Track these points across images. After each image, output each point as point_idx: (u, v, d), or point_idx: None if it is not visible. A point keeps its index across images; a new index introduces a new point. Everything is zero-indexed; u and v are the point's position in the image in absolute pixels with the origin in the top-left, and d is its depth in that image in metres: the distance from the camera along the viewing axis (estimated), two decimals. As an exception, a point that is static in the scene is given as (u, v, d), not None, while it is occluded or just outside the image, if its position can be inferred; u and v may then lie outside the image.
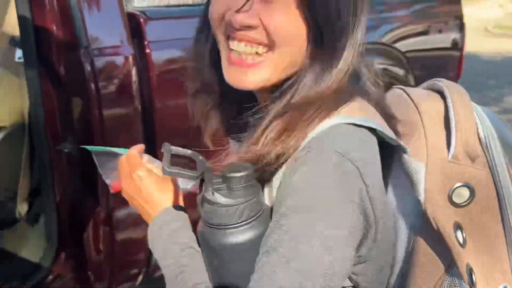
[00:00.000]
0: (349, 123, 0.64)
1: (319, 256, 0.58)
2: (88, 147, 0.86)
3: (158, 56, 1.52)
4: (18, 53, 1.51)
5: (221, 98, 0.77)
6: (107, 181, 0.86)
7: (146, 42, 1.50)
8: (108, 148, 0.86)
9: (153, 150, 1.29)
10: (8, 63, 1.62)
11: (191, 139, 0.78)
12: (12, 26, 1.60)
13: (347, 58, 0.66)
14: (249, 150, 0.65)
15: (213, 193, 0.64)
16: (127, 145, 0.80)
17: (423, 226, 0.69)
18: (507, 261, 0.68)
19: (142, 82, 1.51)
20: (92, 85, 1.39)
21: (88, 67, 1.38)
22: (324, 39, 0.65)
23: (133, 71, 1.47)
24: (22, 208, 1.64)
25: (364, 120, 0.64)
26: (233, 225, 0.64)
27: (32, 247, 1.61)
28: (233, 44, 0.66)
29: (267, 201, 0.68)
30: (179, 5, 1.65)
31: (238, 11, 0.63)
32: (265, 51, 0.66)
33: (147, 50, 1.50)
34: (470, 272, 0.66)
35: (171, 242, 0.73)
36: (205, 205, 0.65)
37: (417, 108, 0.72)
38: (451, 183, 0.67)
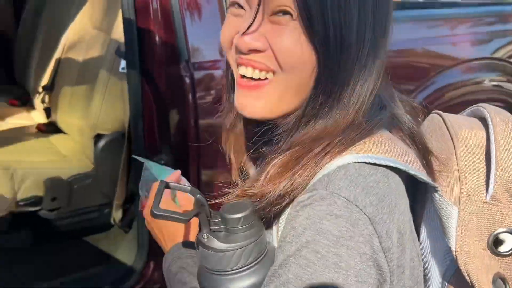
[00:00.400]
0: (363, 162, 0.56)
1: None
2: (141, 159, 0.84)
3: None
4: (122, 63, 1.54)
5: (239, 120, 0.72)
6: (141, 195, 0.85)
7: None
8: (157, 165, 0.83)
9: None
10: (113, 72, 1.67)
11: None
12: (119, 34, 1.64)
13: (361, 87, 0.59)
14: (252, 185, 0.60)
15: (207, 237, 0.59)
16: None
17: (456, 277, 0.60)
18: None
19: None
20: (190, 99, 1.37)
21: (187, 81, 1.36)
22: (327, 65, 0.58)
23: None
24: (117, 214, 1.68)
25: (380, 158, 0.56)
26: (230, 271, 0.58)
27: (124, 253, 1.64)
28: (242, 69, 0.62)
29: (275, 241, 0.61)
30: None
31: (244, 33, 0.58)
32: (273, 77, 0.61)
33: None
34: None
35: (177, 280, 0.68)
36: (201, 248, 0.60)
37: (452, 138, 0.63)
38: (491, 228, 0.58)
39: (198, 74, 1.37)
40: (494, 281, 0.58)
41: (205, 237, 0.59)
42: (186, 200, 0.74)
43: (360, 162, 0.56)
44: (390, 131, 0.62)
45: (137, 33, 1.40)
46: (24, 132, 2.08)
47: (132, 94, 1.45)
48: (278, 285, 0.53)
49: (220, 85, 1.41)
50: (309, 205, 0.54)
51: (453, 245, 0.58)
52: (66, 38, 2.07)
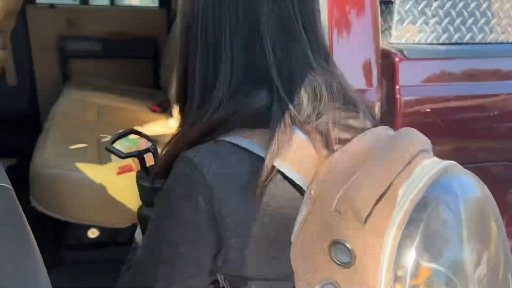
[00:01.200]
0: (227, 141, 0.66)
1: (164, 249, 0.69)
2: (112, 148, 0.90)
3: (408, 103, 1.27)
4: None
5: None
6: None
7: (397, 87, 1.26)
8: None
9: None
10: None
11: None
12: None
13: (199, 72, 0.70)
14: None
15: (140, 176, 0.80)
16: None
17: None
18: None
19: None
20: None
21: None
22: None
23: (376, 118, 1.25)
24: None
25: (245, 141, 0.65)
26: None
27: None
28: None
29: None
30: (448, 43, 1.36)
31: None
32: None
33: (397, 96, 1.26)
34: None
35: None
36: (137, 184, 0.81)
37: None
38: (329, 236, 0.62)
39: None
40: (319, 284, 0.63)
41: (138, 175, 0.80)
42: None
43: (225, 140, 0.66)
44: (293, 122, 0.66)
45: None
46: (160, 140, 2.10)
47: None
48: (149, 226, 0.72)
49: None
50: (175, 163, 0.68)
51: (292, 237, 0.64)
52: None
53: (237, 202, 0.65)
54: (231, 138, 0.66)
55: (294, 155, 0.65)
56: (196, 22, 0.70)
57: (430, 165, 0.62)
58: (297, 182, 0.64)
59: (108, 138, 1.03)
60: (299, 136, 0.66)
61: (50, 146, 1.70)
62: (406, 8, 1.34)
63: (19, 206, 0.59)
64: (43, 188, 1.56)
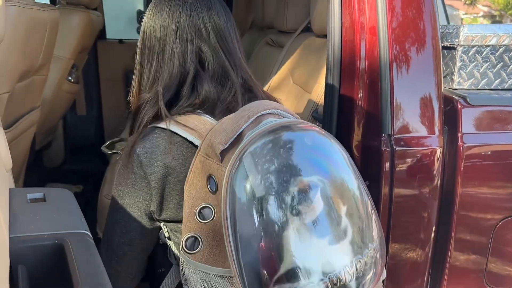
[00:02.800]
0: (158, 126, 0.98)
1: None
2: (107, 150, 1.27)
3: (471, 150, 1.25)
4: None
5: None
6: None
7: (459, 134, 1.24)
8: None
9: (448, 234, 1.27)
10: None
11: None
12: (318, 95, 1.57)
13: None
14: None
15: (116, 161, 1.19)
16: None
17: None
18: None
19: (446, 177, 1.26)
20: (388, 176, 1.22)
21: (387, 156, 1.21)
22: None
23: (437, 165, 1.23)
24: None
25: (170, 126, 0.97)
26: None
27: None
28: None
29: None
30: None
31: None
32: None
33: (459, 143, 1.24)
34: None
35: None
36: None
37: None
38: (205, 172, 0.88)
39: (399, 151, 1.20)
40: (199, 206, 0.88)
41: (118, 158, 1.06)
42: None
43: (155, 126, 0.98)
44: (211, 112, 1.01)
45: (338, 98, 1.31)
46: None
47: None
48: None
49: (423, 166, 1.23)
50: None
51: (187, 176, 0.91)
52: (267, 89, 2.10)
53: (158, 164, 0.97)
54: (158, 124, 0.98)
55: (194, 126, 0.96)
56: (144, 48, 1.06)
57: (275, 120, 0.87)
58: (194, 142, 0.95)
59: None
60: (200, 116, 0.98)
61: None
62: (470, 53, 1.33)
63: (99, 256, 0.64)
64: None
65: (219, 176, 0.85)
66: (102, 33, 3.11)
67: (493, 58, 1.33)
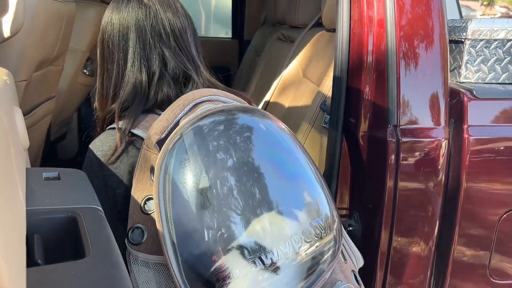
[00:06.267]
0: (113, 128, 1.00)
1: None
2: None
3: (477, 143, 1.26)
4: (326, 118, 1.48)
5: None
6: None
7: (465, 126, 1.26)
8: None
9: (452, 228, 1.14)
10: (315, 125, 1.62)
11: None
12: (327, 88, 1.59)
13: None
14: None
15: None
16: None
17: None
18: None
19: (451, 168, 1.28)
20: (393, 167, 1.24)
21: (392, 147, 1.23)
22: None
23: (443, 157, 1.25)
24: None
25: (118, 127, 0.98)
26: None
27: None
28: None
29: None
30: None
31: None
32: None
33: (465, 135, 1.26)
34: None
35: None
36: None
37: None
38: (148, 164, 0.88)
39: (405, 142, 1.22)
40: (144, 199, 0.87)
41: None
42: None
43: (111, 128, 1.01)
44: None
45: (346, 90, 1.33)
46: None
47: (330, 152, 1.38)
48: None
49: (429, 157, 1.24)
50: None
51: (135, 170, 0.91)
52: (277, 83, 2.13)
53: (109, 162, 0.98)
54: (113, 126, 1.00)
55: (145, 124, 0.97)
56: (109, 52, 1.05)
57: (209, 106, 0.86)
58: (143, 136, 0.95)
59: None
60: (153, 114, 0.99)
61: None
62: (477, 47, 1.34)
63: (109, 228, 0.67)
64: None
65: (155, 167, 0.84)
66: (117, 28, 3.15)
67: (501, 52, 1.34)
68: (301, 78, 1.95)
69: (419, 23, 1.24)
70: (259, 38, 2.98)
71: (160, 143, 0.85)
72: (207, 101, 0.90)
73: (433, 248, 1.32)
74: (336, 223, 0.88)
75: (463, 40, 1.34)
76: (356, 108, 1.33)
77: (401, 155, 1.23)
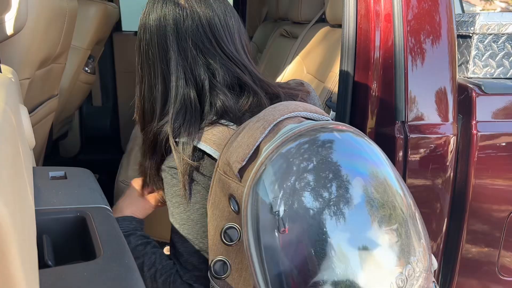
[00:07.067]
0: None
1: None
2: None
3: (485, 138, 1.25)
4: (332, 114, 1.46)
5: None
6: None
7: (474, 122, 1.24)
8: None
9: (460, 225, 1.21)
10: (321, 121, 1.60)
11: None
12: (332, 84, 1.58)
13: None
14: None
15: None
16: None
17: None
18: None
19: (459, 164, 1.27)
20: (401, 163, 1.23)
21: (400, 143, 1.22)
22: None
23: (451, 153, 1.24)
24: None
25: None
26: None
27: None
28: None
29: None
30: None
31: None
32: None
33: (473, 131, 1.24)
34: None
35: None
36: None
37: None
38: (225, 191, 0.82)
39: (413, 138, 1.21)
40: (224, 228, 0.81)
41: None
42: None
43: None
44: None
45: (352, 86, 1.31)
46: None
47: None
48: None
49: (437, 153, 1.23)
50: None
51: (208, 195, 0.85)
52: (280, 80, 2.11)
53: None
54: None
55: (212, 138, 0.88)
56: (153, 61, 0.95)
57: (295, 127, 0.77)
58: (213, 155, 0.87)
59: None
60: (222, 126, 0.90)
61: (133, 166, 1.82)
62: (485, 42, 1.32)
63: (119, 228, 0.66)
64: (124, 205, 1.67)
65: (239, 196, 0.78)
66: (118, 25, 3.14)
67: (509, 46, 1.32)
68: (305, 74, 1.93)
69: (426, 17, 1.23)
70: (260, 34, 2.96)
71: (241, 171, 0.79)
72: (287, 118, 0.81)
73: (441, 245, 1.31)
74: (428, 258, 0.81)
75: (471, 34, 1.33)
76: (363, 105, 1.31)
77: (409, 152, 1.21)
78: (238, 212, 0.78)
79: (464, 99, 1.27)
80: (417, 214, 0.81)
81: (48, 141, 2.00)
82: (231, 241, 0.80)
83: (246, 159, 0.78)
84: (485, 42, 1.32)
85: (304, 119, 0.82)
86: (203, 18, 0.93)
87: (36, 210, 0.66)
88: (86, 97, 2.88)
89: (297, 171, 0.73)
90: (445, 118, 1.23)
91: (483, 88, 1.25)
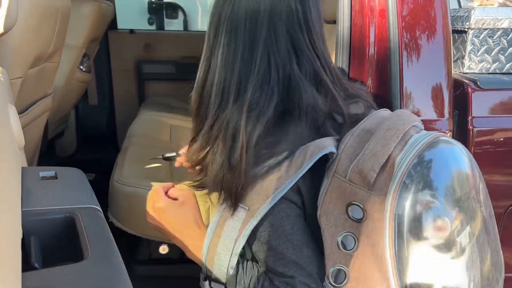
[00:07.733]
0: None
1: None
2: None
3: (481, 134, 1.24)
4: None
5: None
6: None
7: (469, 118, 1.24)
8: None
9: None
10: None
11: None
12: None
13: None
14: None
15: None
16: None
17: None
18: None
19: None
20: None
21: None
22: None
23: (447, 149, 1.23)
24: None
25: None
26: None
27: None
28: None
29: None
30: (523, 73, 1.32)
31: None
32: None
33: (469, 127, 1.24)
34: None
35: None
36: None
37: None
38: (346, 199, 0.80)
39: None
40: (340, 235, 0.80)
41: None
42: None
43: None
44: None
45: (347, 79, 1.30)
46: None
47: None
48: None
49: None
50: None
51: (318, 202, 0.83)
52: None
53: None
54: None
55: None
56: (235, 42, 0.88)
57: (421, 137, 0.80)
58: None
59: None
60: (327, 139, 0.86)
61: (128, 165, 1.81)
62: (481, 37, 1.32)
63: (108, 228, 0.65)
64: (120, 205, 1.66)
65: (370, 204, 0.78)
66: (113, 23, 3.12)
67: (505, 41, 1.32)
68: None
69: (421, 12, 1.22)
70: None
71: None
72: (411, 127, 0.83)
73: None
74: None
75: (466, 29, 1.32)
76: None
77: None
78: (360, 220, 0.79)
79: (460, 94, 1.26)
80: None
81: (43, 140, 1.99)
82: (346, 248, 0.80)
83: (379, 168, 0.78)
84: (481, 37, 1.31)
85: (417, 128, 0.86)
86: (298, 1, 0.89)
87: (24, 211, 0.65)
88: (82, 96, 2.86)
89: (440, 183, 0.77)
90: (440, 114, 1.22)
91: (478, 83, 1.25)
